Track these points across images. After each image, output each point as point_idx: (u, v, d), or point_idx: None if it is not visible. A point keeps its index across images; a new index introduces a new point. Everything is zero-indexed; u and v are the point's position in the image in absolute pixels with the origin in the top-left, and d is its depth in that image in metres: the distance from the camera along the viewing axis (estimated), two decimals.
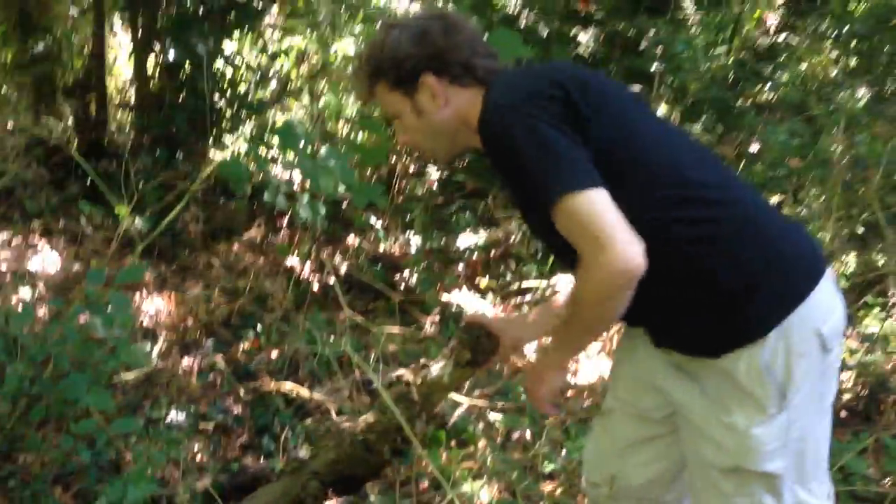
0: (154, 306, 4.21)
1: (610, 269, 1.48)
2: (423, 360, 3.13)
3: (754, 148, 4.25)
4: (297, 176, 4.76)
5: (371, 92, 1.82)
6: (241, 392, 3.45)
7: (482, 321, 2.14)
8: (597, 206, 1.49)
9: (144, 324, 4.04)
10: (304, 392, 3.32)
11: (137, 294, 4.29)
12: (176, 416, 3.25)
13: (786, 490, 1.70)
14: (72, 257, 4.62)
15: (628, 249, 1.47)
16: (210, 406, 3.39)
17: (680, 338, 1.75)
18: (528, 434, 3.45)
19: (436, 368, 2.57)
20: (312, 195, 4.15)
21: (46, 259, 4.56)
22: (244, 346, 3.92)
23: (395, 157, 5.59)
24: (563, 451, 3.35)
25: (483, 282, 4.83)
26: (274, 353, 3.87)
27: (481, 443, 3.36)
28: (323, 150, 3.10)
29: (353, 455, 2.61)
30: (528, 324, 2.16)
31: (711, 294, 1.63)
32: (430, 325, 4.06)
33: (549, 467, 3.23)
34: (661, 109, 4.58)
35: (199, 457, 3.08)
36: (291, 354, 3.71)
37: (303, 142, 3.59)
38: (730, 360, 1.64)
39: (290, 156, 3.52)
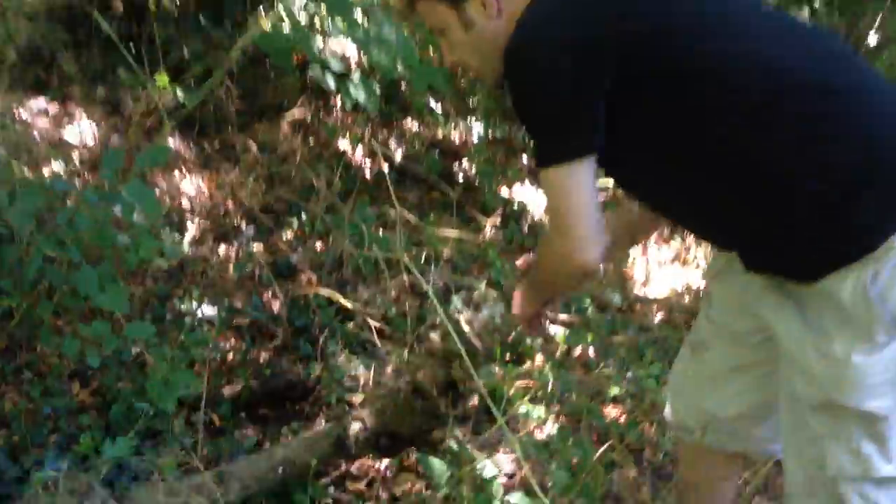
0: (193, 187, 3.92)
1: (562, 257, 1.48)
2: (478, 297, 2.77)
3: (874, 40, 3.69)
4: (351, 52, 4.35)
5: (412, 5, 1.60)
6: (279, 288, 3.15)
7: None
8: (572, 186, 1.44)
9: (182, 205, 3.76)
10: (347, 303, 3.00)
11: (176, 172, 4.00)
12: (207, 310, 2.98)
13: (891, 435, 1.42)
14: (110, 128, 4.31)
15: (583, 248, 1.45)
16: (245, 301, 3.11)
17: (773, 260, 1.48)
18: (591, 352, 3.13)
19: (487, 311, 2.25)
20: (366, 74, 3.75)
21: (83, 129, 4.27)
22: (286, 235, 3.62)
23: None
24: (629, 373, 3.02)
25: None
26: (318, 245, 3.56)
27: (539, 358, 3.04)
28: (379, 14, 2.68)
29: (402, 402, 2.30)
30: None
31: (802, 207, 1.38)
32: (490, 227, 3.69)
33: (613, 390, 2.91)
34: None
35: (230, 357, 2.82)
36: (336, 249, 3.40)
37: (358, 11, 3.16)
38: (833, 280, 1.38)
39: (343, 27, 3.11)
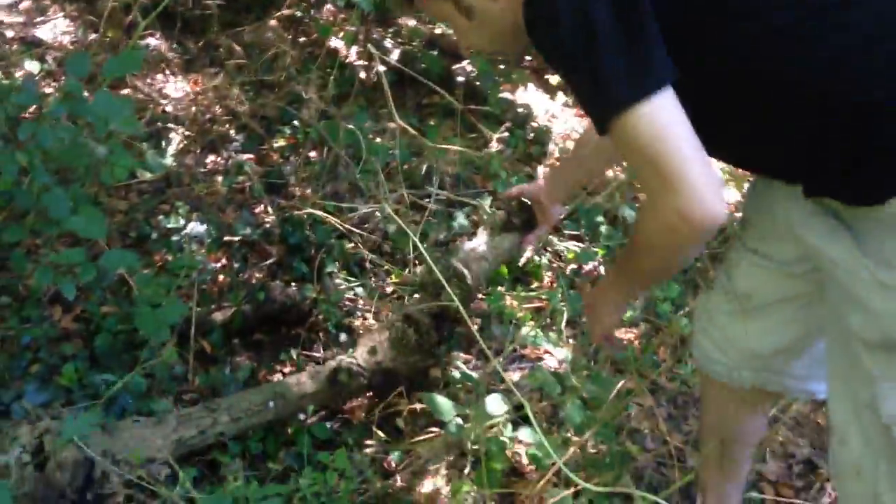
0: (177, 91, 3.66)
1: (681, 217, 1.16)
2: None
3: None
4: None
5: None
6: (271, 203, 2.95)
7: (521, 191, 2.07)
8: (666, 123, 1.15)
9: (166, 111, 3.51)
10: (341, 224, 2.80)
11: (159, 75, 3.74)
12: (196, 227, 2.79)
13: None
14: (87, 25, 4.02)
15: (705, 195, 1.14)
16: (236, 217, 2.91)
17: (835, 183, 1.30)
18: (602, 270, 2.96)
19: (472, 243, 2.09)
20: None
21: (58, 26, 3.98)
22: (278, 143, 3.39)
23: None
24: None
25: (553, 78, 4.16)
26: (312, 154, 3.34)
27: (548, 277, 2.89)
28: None
29: (394, 337, 2.14)
30: (561, 181, 2.01)
31: (865, 121, 1.21)
32: (496, 141, 3.46)
33: (627, 313, 2.76)
34: None
35: (220, 278, 2.64)
36: (331, 160, 3.18)
37: None
38: None
39: None
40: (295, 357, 2.42)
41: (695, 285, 2.93)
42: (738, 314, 1.67)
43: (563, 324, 2.65)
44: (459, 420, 2.08)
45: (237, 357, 2.42)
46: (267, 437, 2.11)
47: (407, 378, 2.17)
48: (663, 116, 1.15)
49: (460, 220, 2.93)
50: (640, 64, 1.15)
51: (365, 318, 2.61)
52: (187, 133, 3.39)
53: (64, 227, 1.86)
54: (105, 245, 2.40)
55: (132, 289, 2.44)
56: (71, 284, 1.86)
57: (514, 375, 2.52)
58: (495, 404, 2.10)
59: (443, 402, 2.09)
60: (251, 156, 3.33)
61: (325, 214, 2.78)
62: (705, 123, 1.24)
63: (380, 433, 2.17)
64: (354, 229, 2.83)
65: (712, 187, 1.15)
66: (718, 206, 1.15)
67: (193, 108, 3.58)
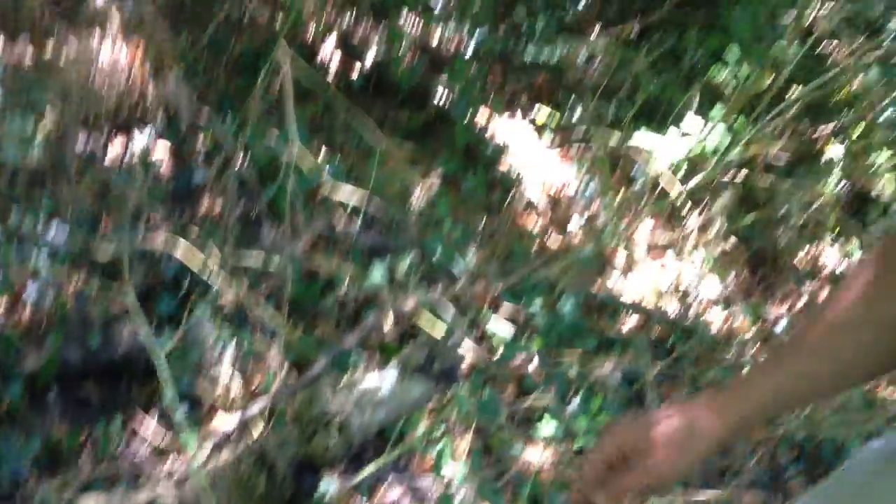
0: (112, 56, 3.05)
1: None
2: None
3: None
4: None
5: None
6: (172, 216, 2.35)
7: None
8: None
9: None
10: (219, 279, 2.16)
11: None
12: (56, 233, 2.19)
13: None
14: None
15: None
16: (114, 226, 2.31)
17: None
18: (535, 363, 2.35)
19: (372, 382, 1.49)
20: None
21: None
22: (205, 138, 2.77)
23: None
24: (571, 405, 2.27)
25: (541, 114, 3.53)
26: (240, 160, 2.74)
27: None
28: None
29: (238, 479, 1.55)
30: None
31: None
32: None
33: (548, 426, 2.16)
34: None
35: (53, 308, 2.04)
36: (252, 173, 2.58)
37: None
38: None
39: None
40: (119, 431, 1.83)
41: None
42: None
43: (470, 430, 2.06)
44: None
45: (47, 417, 1.83)
46: None
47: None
48: None
49: (376, 274, 2.32)
50: None
51: (228, 391, 2.02)
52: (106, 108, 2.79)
53: None
54: None
55: None
56: None
57: (389, 494, 1.93)
58: None
59: None
60: (169, 144, 2.73)
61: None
62: None
63: None
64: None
65: None
66: None
67: (122, 80, 2.98)
